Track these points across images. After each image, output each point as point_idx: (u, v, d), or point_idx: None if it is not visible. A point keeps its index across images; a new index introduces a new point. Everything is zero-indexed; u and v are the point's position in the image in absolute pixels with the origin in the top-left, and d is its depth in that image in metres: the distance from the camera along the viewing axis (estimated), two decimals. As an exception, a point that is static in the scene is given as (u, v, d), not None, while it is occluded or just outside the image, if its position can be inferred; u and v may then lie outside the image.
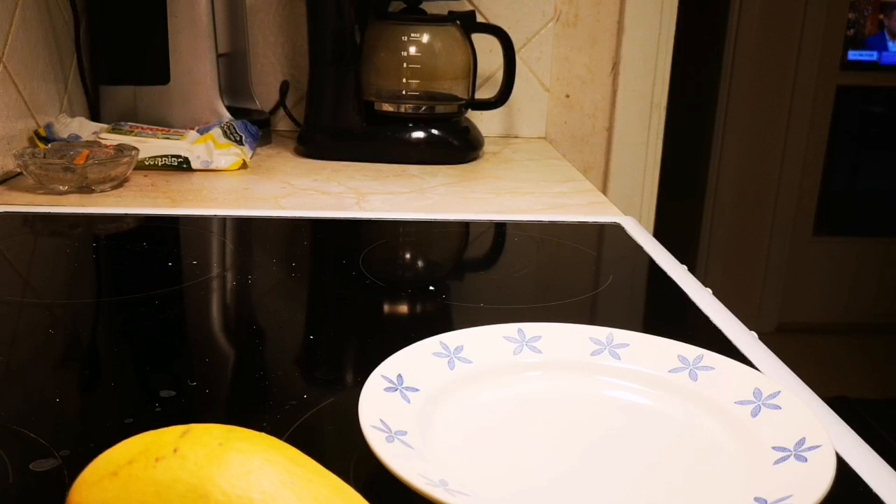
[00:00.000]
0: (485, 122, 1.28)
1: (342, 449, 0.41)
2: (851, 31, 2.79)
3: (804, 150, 2.83)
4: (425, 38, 1.09)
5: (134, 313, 0.58)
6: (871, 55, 2.87)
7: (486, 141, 1.18)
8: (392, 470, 0.35)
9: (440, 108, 1.11)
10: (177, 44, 1.08)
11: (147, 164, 0.99)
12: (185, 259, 0.71)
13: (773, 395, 0.42)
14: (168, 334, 0.55)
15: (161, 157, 0.99)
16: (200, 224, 0.80)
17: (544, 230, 0.82)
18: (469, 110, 1.15)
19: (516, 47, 1.15)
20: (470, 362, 0.47)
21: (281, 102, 1.26)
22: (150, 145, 0.99)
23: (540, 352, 0.48)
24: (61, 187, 0.88)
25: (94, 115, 1.13)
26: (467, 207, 0.88)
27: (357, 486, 0.29)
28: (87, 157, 0.90)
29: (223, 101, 1.11)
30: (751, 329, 0.58)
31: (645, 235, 0.79)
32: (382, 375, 0.43)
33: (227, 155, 1.01)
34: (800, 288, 2.95)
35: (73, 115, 1.06)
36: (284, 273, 0.68)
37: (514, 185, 0.99)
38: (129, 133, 1.02)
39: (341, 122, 1.10)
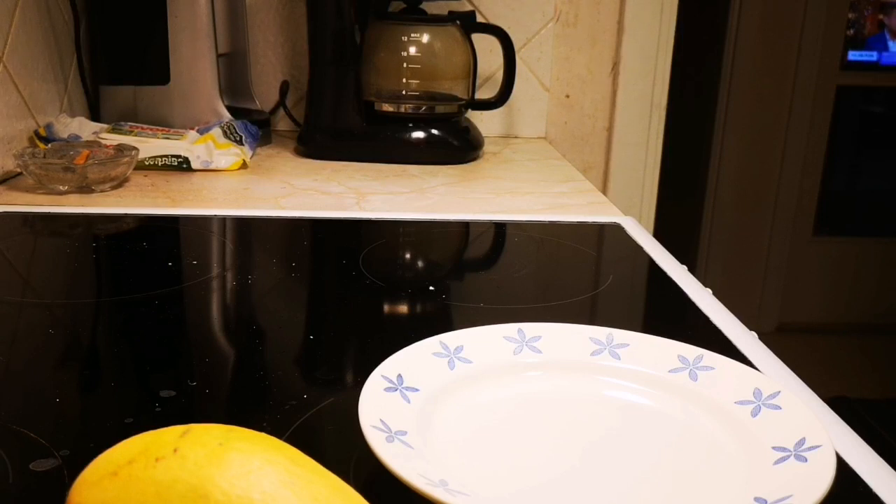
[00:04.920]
0: (485, 122, 1.28)
1: (342, 449, 0.41)
2: (851, 31, 2.79)
3: (804, 150, 2.83)
4: (425, 38, 1.09)
5: (134, 313, 0.58)
6: (871, 55, 2.87)
7: (486, 141, 1.18)
8: (392, 470, 0.35)
9: (440, 108, 1.11)
10: (177, 44, 1.08)
11: (147, 164, 0.99)
12: (185, 259, 0.71)
13: (773, 395, 0.42)
14: (168, 334, 0.55)
15: (161, 157, 0.99)
16: (200, 224, 0.80)
17: (544, 230, 0.82)
18: (469, 110, 1.15)
19: (516, 47, 1.15)
20: (470, 362, 0.47)
21: (281, 102, 1.26)
22: (150, 145, 0.99)
23: (540, 352, 0.48)
24: (61, 187, 0.88)
25: (94, 115, 1.13)
26: (467, 207, 0.88)
27: (357, 486, 0.29)
28: (87, 157, 0.90)
29: (223, 101, 1.11)
30: (751, 329, 0.58)
31: (645, 235, 0.79)
32: (382, 375, 0.43)
33: (227, 155, 1.01)
34: (800, 288, 2.95)
35: (73, 115, 1.06)
36: (284, 273, 0.68)
37: (514, 185, 0.99)
38: (129, 133, 1.02)
39: (341, 122, 1.10)
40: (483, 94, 1.22)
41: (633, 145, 1.32)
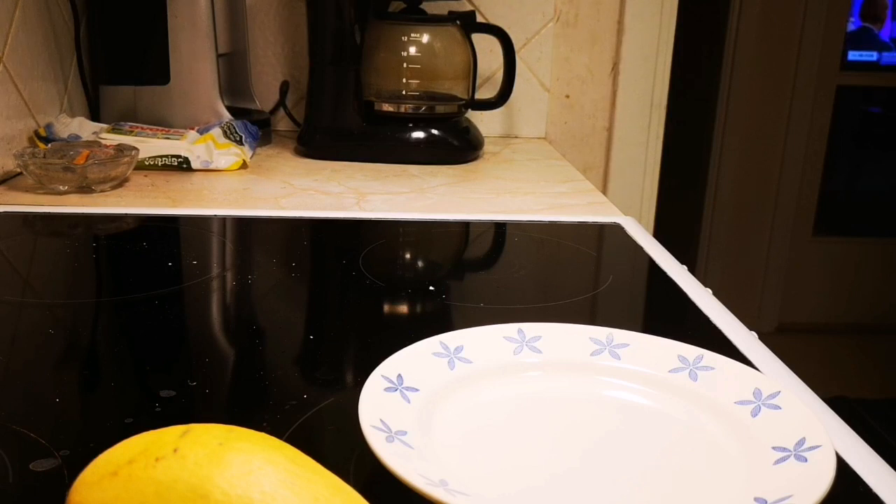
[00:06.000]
0: (485, 122, 1.28)
1: (342, 449, 0.41)
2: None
3: (804, 150, 2.83)
4: (425, 38, 1.09)
5: (134, 313, 0.58)
6: (871, 55, 2.87)
7: (486, 141, 1.18)
8: (392, 470, 0.35)
9: (440, 108, 1.11)
10: (177, 44, 1.08)
11: (147, 164, 0.99)
12: (185, 259, 0.71)
13: (773, 395, 0.42)
14: (168, 334, 0.55)
15: (161, 157, 0.99)
16: (200, 224, 0.80)
17: (544, 230, 0.82)
18: (469, 110, 1.15)
19: (516, 47, 1.15)
20: (470, 362, 0.47)
21: (281, 102, 1.26)
22: (150, 145, 0.99)
23: (540, 352, 0.48)
24: (61, 187, 0.88)
25: (94, 115, 1.13)
26: (467, 207, 0.88)
27: (357, 486, 0.29)
28: (87, 157, 0.90)
29: (223, 101, 1.11)
30: (751, 329, 0.58)
31: (645, 235, 0.79)
32: (382, 375, 0.43)
33: (227, 155, 1.01)
34: (800, 288, 2.95)
35: (73, 115, 1.06)
36: (284, 273, 0.68)
37: (514, 185, 0.99)
38: (129, 133, 1.02)
39: (341, 122, 1.10)
40: (483, 94, 1.22)
41: (633, 145, 1.32)
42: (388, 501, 0.35)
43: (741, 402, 0.43)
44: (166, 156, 0.99)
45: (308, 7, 1.08)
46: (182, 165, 1.00)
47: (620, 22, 1.28)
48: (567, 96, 1.32)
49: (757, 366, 0.51)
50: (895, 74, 2.92)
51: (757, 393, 0.43)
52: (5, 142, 0.94)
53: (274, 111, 1.27)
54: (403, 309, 0.62)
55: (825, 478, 0.35)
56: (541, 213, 0.87)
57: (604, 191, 1.34)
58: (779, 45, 2.71)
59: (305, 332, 0.57)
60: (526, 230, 0.82)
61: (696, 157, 2.87)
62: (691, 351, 0.47)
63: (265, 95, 1.27)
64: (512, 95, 1.14)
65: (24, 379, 0.48)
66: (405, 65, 1.09)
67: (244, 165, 1.02)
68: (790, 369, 0.52)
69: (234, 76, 1.22)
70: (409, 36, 1.09)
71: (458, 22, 1.11)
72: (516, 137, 1.32)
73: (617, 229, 0.82)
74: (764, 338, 0.57)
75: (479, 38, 1.12)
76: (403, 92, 1.10)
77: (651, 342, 0.48)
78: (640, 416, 0.44)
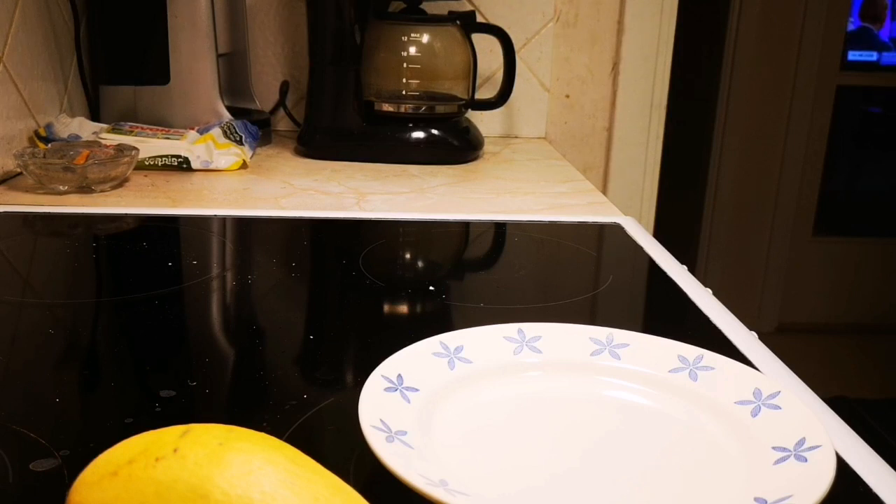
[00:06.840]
0: (485, 122, 1.28)
1: (342, 449, 0.41)
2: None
3: (804, 150, 2.83)
4: (425, 38, 1.09)
5: (134, 313, 0.58)
6: (871, 55, 2.87)
7: (486, 141, 1.18)
8: (392, 470, 0.35)
9: (440, 108, 1.11)
10: (177, 44, 1.08)
11: (147, 164, 0.99)
12: (185, 259, 0.71)
13: (773, 395, 0.42)
14: (168, 334, 0.55)
15: (161, 157, 0.99)
16: (200, 224, 0.80)
17: (544, 230, 0.82)
18: (469, 110, 1.15)
19: (516, 47, 1.15)
20: (470, 362, 0.47)
21: (281, 102, 1.26)
22: (150, 145, 0.99)
23: (540, 352, 0.48)
24: (61, 187, 0.88)
25: (94, 115, 1.13)
26: (467, 207, 0.88)
27: (357, 486, 0.29)
28: (87, 157, 0.90)
29: (223, 101, 1.11)
30: (751, 329, 0.58)
31: (645, 235, 0.79)
32: (382, 375, 0.43)
33: (227, 155, 1.01)
34: (800, 288, 2.95)
35: (73, 115, 1.06)
36: (284, 273, 0.68)
37: (514, 185, 0.99)
38: (129, 133, 1.02)
39: (341, 122, 1.10)
40: (483, 94, 1.22)
41: (633, 145, 1.32)
42: (388, 501, 0.35)
43: (741, 402, 0.43)
44: (166, 156, 0.99)
45: (308, 7, 1.08)
46: (182, 165, 1.00)
47: (620, 22, 1.28)
48: (567, 96, 1.32)
49: (757, 366, 0.51)
50: (895, 74, 2.92)
51: (757, 393, 0.43)
52: (5, 142, 0.94)
53: (274, 111, 1.27)
54: (403, 309, 0.62)
55: (825, 478, 0.35)
56: (541, 213, 0.87)
57: (604, 191, 1.34)
58: (779, 45, 2.71)
59: (305, 332, 0.57)
60: (526, 230, 0.82)
61: (696, 157, 2.87)
62: (691, 351, 0.47)
63: (265, 95, 1.27)
64: (512, 95, 1.14)
65: (24, 379, 0.48)
66: (405, 65, 1.09)
67: (244, 165, 1.02)
68: (790, 369, 0.52)
69: (234, 76, 1.22)
70: (409, 36, 1.09)
71: (458, 22, 1.11)
72: (516, 137, 1.32)
73: (617, 229, 0.82)
74: (764, 338, 0.57)
75: (479, 38, 1.12)
76: (403, 92, 1.10)
77: (651, 342, 0.48)
78: (640, 416, 0.44)
